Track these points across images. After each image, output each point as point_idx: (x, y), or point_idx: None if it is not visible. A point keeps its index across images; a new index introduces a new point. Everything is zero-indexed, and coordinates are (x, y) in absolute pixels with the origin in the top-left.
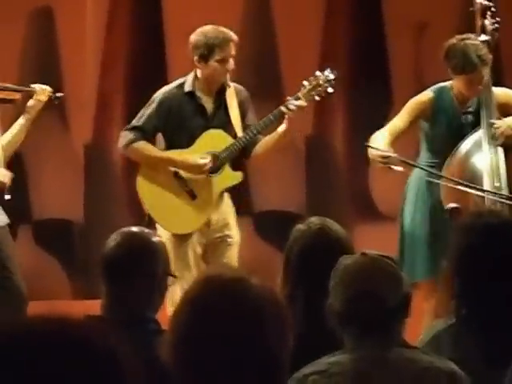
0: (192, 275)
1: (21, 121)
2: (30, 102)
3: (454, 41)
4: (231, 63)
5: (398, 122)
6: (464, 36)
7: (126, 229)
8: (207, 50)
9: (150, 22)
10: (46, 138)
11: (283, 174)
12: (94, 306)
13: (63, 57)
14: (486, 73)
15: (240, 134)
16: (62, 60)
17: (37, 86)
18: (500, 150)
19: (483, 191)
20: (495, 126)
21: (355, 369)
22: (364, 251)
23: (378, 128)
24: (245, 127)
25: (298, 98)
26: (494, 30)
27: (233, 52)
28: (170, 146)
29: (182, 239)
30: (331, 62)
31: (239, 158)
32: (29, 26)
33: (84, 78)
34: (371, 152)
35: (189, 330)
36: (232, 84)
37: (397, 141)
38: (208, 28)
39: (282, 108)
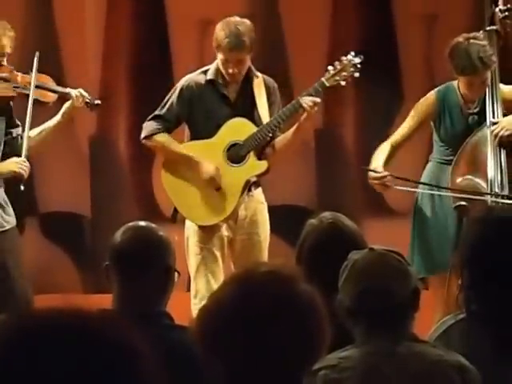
0: (220, 269)
1: (52, 123)
2: (66, 107)
3: (459, 39)
4: (232, 69)
5: (402, 130)
6: (471, 35)
7: (133, 223)
8: (216, 46)
9: (152, 8)
10: None
11: (293, 168)
12: (104, 300)
13: (63, 46)
14: (489, 75)
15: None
16: (62, 50)
17: (72, 91)
18: (502, 152)
19: (491, 195)
20: (492, 128)
21: (365, 363)
22: (372, 247)
23: (388, 122)
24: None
25: (321, 84)
26: (504, 18)
27: (240, 57)
28: (195, 135)
29: (209, 232)
30: (340, 53)
31: (264, 148)
32: (27, 15)
33: (85, 69)
34: (369, 175)
35: (221, 323)
36: (261, 75)
37: (401, 148)
38: (229, 22)
39: (302, 102)
